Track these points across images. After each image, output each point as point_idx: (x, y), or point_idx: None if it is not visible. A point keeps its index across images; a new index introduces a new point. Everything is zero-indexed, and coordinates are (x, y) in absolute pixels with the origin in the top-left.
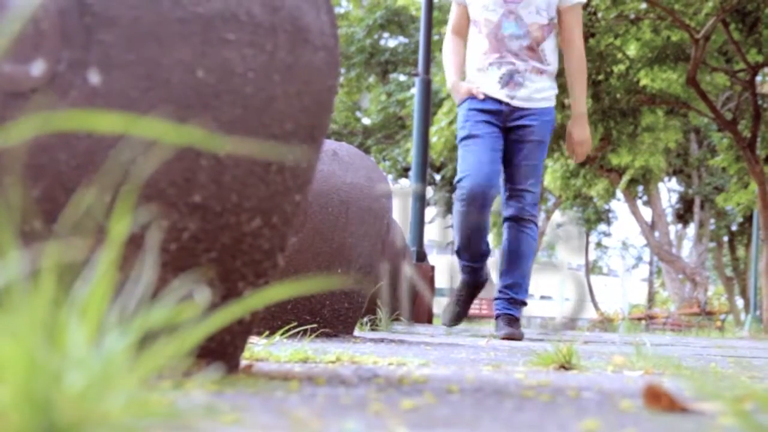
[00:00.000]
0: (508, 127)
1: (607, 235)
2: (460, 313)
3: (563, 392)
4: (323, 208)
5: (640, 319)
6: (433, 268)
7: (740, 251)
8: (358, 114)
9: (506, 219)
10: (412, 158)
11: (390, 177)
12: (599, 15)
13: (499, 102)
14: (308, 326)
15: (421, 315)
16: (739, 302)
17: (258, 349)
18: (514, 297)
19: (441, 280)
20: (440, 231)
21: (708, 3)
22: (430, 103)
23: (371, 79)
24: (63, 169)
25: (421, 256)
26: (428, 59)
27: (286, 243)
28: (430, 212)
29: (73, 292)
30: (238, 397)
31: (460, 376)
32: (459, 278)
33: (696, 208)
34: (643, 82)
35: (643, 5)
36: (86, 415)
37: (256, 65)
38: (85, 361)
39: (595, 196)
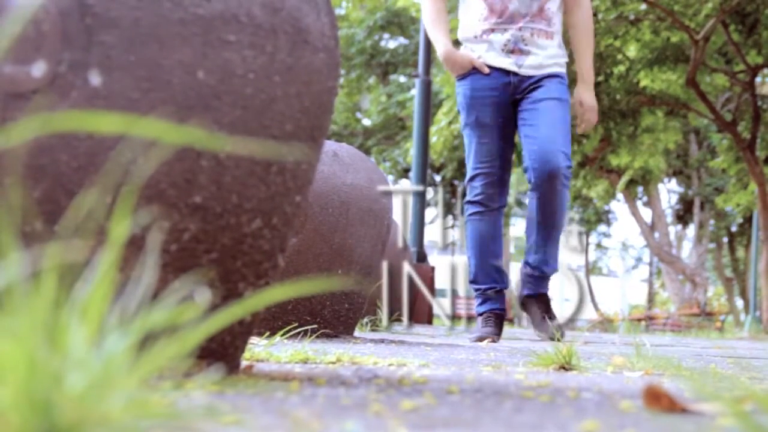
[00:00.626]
0: (516, 98)
1: (606, 235)
2: (494, 333)
3: (563, 393)
4: (324, 208)
5: (639, 319)
6: (433, 268)
7: (740, 252)
8: (359, 115)
9: (533, 184)
10: (413, 159)
11: (390, 178)
12: (599, 16)
13: (506, 72)
14: (308, 327)
15: (422, 316)
16: (739, 303)
17: (258, 349)
18: (546, 273)
19: (441, 281)
20: (440, 232)
21: (708, 4)
22: (431, 104)
23: (371, 81)
24: (64, 170)
25: (422, 257)
26: (428, 60)
27: (286, 244)
28: (430, 213)
29: (74, 293)
30: (238, 398)
31: (460, 377)
32: (478, 317)
33: (696, 209)
34: (643, 83)
35: (643, 6)
36: (87, 416)
37: (257, 66)
38: (85, 361)
39: (594, 197)
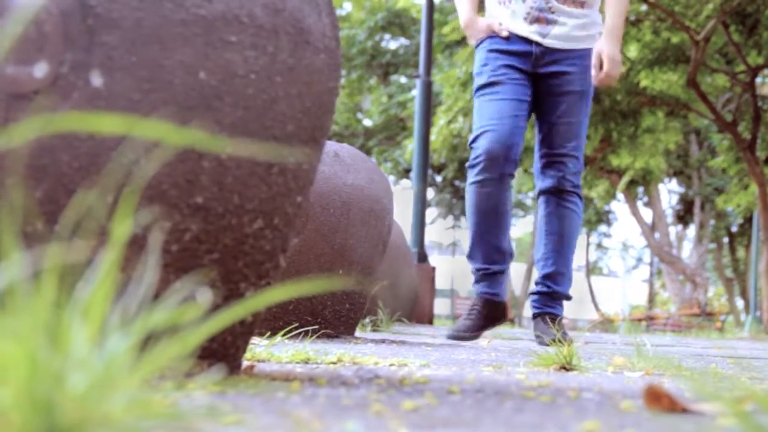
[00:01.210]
0: (539, 73)
1: (607, 236)
2: (470, 328)
3: (564, 393)
4: (325, 209)
5: (640, 320)
6: (433, 269)
7: (740, 252)
8: (360, 115)
9: (542, 192)
10: (413, 159)
11: (391, 178)
12: None
13: (528, 42)
14: (309, 327)
15: (422, 316)
16: (739, 303)
17: (259, 350)
18: (555, 290)
19: (442, 282)
20: (441, 232)
21: (708, 5)
22: (431, 104)
23: (372, 81)
24: (65, 171)
25: (422, 257)
26: (429, 61)
27: (287, 244)
28: (431, 213)
29: (75, 293)
30: (239, 398)
31: (461, 377)
32: (474, 293)
33: (696, 210)
34: (644, 83)
35: (644, 7)
36: (88, 416)
37: (258, 67)
38: (87, 362)
39: (595, 197)
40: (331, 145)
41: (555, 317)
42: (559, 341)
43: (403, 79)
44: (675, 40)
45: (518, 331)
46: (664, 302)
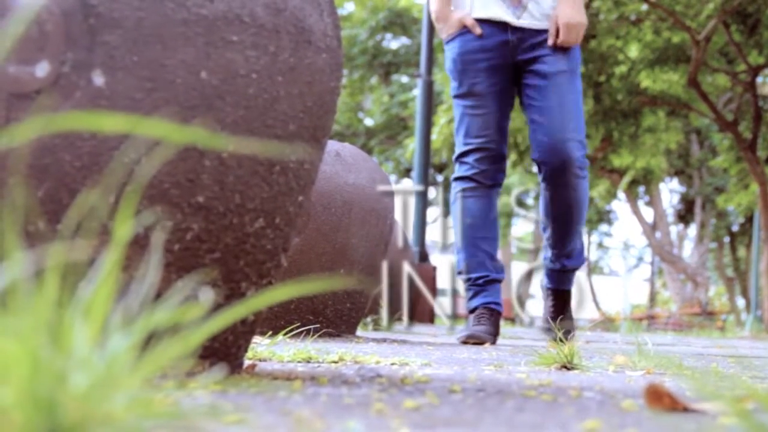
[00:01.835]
0: (520, 60)
1: (608, 235)
2: (488, 331)
3: (565, 392)
4: (326, 208)
5: (641, 319)
6: (435, 268)
7: (741, 251)
8: (361, 115)
9: (546, 180)
10: (414, 159)
11: (393, 178)
12: (600, 16)
13: (503, 29)
14: (311, 326)
15: (423, 315)
16: (740, 302)
17: (261, 349)
18: (568, 267)
19: (443, 281)
20: (442, 231)
21: (709, 5)
22: (432, 104)
23: (374, 81)
24: (67, 170)
25: (424, 257)
26: (430, 60)
27: (289, 243)
28: (432, 212)
29: (77, 292)
30: (241, 397)
31: (462, 376)
32: (469, 314)
33: (697, 209)
34: (644, 83)
35: (644, 7)
36: (90, 415)
37: (260, 66)
38: (88, 361)
39: (596, 196)
40: (332, 145)
41: (567, 294)
42: (565, 335)
43: (404, 79)
44: (676, 39)
45: (519, 330)
46: (665, 301)
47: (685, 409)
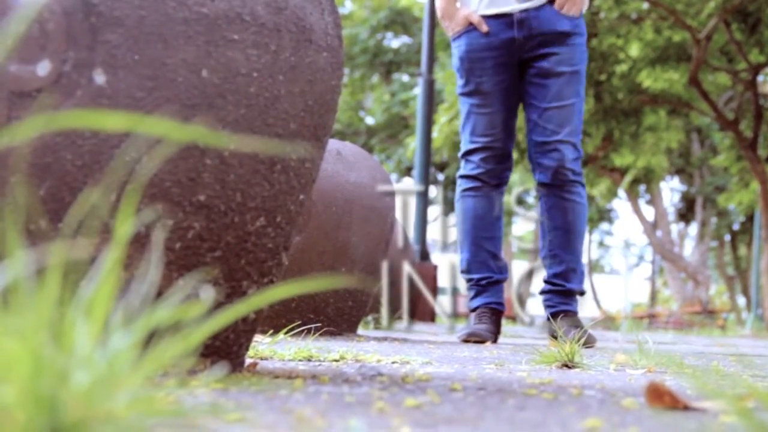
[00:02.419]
0: (525, 58)
1: (609, 234)
2: (489, 330)
3: (566, 390)
4: (327, 207)
5: (642, 317)
6: (436, 267)
7: (742, 250)
8: (362, 114)
9: (542, 184)
10: (415, 158)
11: (394, 176)
12: (601, 15)
13: (509, 26)
14: (312, 325)
15: (424, 314)
16: (741, 301)
17: (262, 347)
18: (569, 288)
19: (443, 279)
20: (443, 230)
21: (710, 3)
22: (434, 102)
23: (375, 79)
24: (68, 169)
25: (425, 255)
26: (431, 59)
27: (290, 242)
28: (433, 211)
29: (79, 290)
30: (242, 396)
31: (463, 375)
32: (470, 313)
33: (698, 208)
34: (645, 82)
35: (645, 5)
36: (91, 414)
37: (261, 65)
38: (90, 359)
39: (597, 195)
40: (333, 143)
41: (572, 314)
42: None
43: (405, 78)
44: (676, 38)
45: (520, 329)
46: (665, 300)
47: (686, 408)
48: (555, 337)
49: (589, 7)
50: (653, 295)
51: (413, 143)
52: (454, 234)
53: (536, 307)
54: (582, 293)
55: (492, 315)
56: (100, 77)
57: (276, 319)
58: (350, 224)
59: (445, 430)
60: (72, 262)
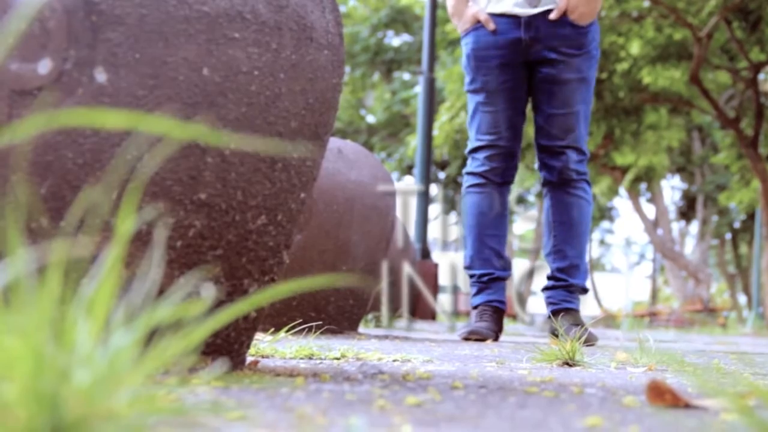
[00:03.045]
0: (532, 61)
1: (610, 232)
2: (490, 328)
3: (567, 388)
4: (328, 205)
5: (643, 315)
6: (436, 265)
7: (743, 248)
8: (363, 112)
9: (546, 183)
10: (416, 156)
11: (395, 175)
12: (602, 13)
13: (516, 26)
14: (313, 323)
15: (425, 312)
16: (742, 299)
17: (263, 345)
18: (572, 283)
19: (444, 278)
20: (443, 228)
21: (710, 1)
22: (435, 101)
23: (375, 78)
24: (69, 167)
25: (426, 254)
26: (432, 57)
27: (291, 240)
28: (434, 209)
29: (80, 289)
30: (243, 394)
31: (464, 373)
32: (472, 310)
33: (699, 206)
34: (646, 80)
35: (646, 4)
36: (93, 411)
37: (262, 63)
38: (91, 357)
39: (598, 193)
40: (334, 142)
41: (574, 312)
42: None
43: (406, 76)
44: (677, 36)
45: (521, 327)
46: (666, 298)
47: (687, 406)
48: (556, 335)
49: None
50: (654, 294)
51: (414, 141)
52: (454, 232)
53: (537, 305)
54: (585, 290)
55: (493, 313)
56: (101, 75)
57: (277, 318)
58: (351, 223)
59: (446, 428)
60: (73, 261)
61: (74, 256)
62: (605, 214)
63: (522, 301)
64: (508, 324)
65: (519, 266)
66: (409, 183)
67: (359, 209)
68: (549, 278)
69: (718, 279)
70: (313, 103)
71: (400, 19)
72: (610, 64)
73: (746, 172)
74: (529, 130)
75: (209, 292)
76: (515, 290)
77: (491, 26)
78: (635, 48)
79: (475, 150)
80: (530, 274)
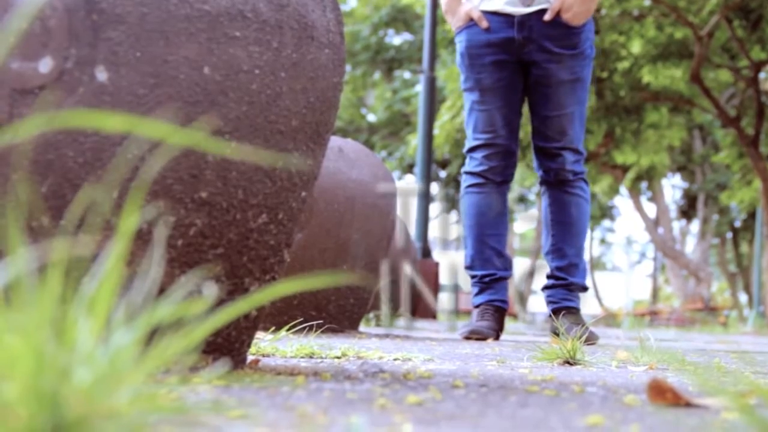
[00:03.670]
0: (524, 60)
1: (611, 231)
2: (491, 327)
3: (568, 387)
4: (329, 204)
5: (644, 314)
6: (437, 264)
7: (743, 247)
8: (364, 111)
9: (544, 182)
10: (417, 155)
11: (395, 174)
12: (603, 12)
13: (509, 24)
14: (314, 322)
15: (426, 311)
16: (743, 298)
17: (264, 344)
18: (572, 281)
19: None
20: (444, 227)
21: (711, 0)
22: (435, 100)
23: (376, 77)
24: (70, 166)
25: (426, 252)
26: (433, 56)
27: (291, 239)
28: (435, 208)
29: (81, 287)
30: (244, 392)
31: (465, 372)
32: (474, 309)
33: (700, 205)
34: (647, 79)
35: (647, 2)
36: (94, 410)
37: (263, 62)
38: (92, 356)
39: (599, 192)
40: (335, 140)
41: (575, 311)
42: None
43: (407, 75)
44: (678, 35)
45: (522, 326)
46: (667, 297)
47: (688, 405)
48: (557, 334)
49: None
50: (655, 293)
51: (415, 140)
52: (455, 231)
53: (537, 304)
54: (585, 288)
55: (495, 312)
56: (102, 74)
57: (278, 316)
58: (352, 221)
59: (447, 427)
60: (74, 259)
61: (75, 255)
62: (606, 212)
63: (523, 300)
64: (508, 323)
65: (520, 265)
66: (410, 182)
67: (360, 208)
68: (548, 277)
69: (718, 278)
70: (314, 101)
71: (401, 18)
72: (610, 63)
73: (747, 171)
74: (527, 130)
75: (210, 290)
76: (516, 289)
77: (484, 24)
78: (636, 47)
79: (472, 149)
80: (531, 274)
